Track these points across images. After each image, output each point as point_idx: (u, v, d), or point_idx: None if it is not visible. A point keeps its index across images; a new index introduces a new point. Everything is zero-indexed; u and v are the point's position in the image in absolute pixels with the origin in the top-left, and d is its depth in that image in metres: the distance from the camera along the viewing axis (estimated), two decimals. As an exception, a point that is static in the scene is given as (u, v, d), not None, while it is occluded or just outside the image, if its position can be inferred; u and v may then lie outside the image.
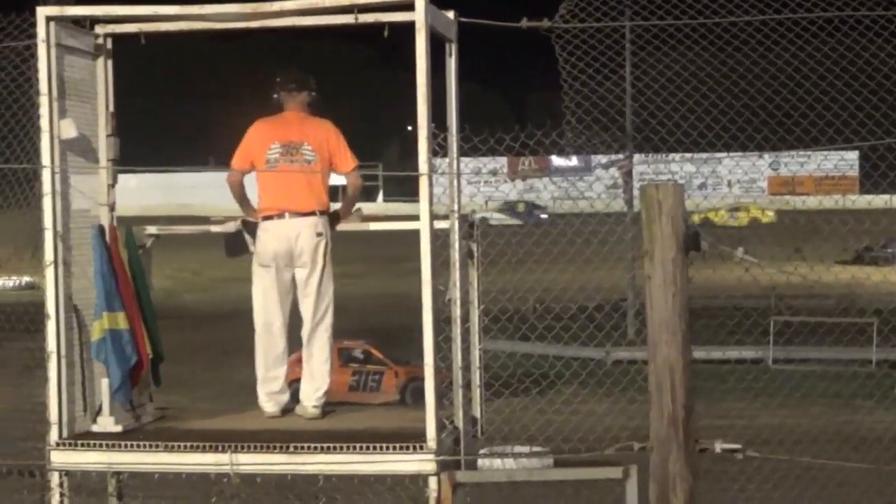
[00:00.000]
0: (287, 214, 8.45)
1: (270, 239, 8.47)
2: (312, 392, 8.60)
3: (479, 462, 7.85)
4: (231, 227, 8.74)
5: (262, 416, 8.60)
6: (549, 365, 16.58)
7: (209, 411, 9.72)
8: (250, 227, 8.62)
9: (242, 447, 7.75)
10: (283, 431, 8.10)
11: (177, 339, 8.88)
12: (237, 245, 8.76)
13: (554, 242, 12.95)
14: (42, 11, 8.00)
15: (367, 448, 7.67)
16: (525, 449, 8.05)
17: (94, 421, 8.23)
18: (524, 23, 8.95)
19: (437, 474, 7.51)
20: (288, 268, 8.52)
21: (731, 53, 12.83)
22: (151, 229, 8.89)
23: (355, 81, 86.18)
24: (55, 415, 7.96)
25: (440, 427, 7.71)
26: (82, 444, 7.99)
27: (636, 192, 16.59)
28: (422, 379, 7.80)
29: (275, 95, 8.78)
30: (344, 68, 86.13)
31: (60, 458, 7.96)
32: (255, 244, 8.59)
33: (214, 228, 8.88)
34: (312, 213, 8.50)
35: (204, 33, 8.71)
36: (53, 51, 8.00)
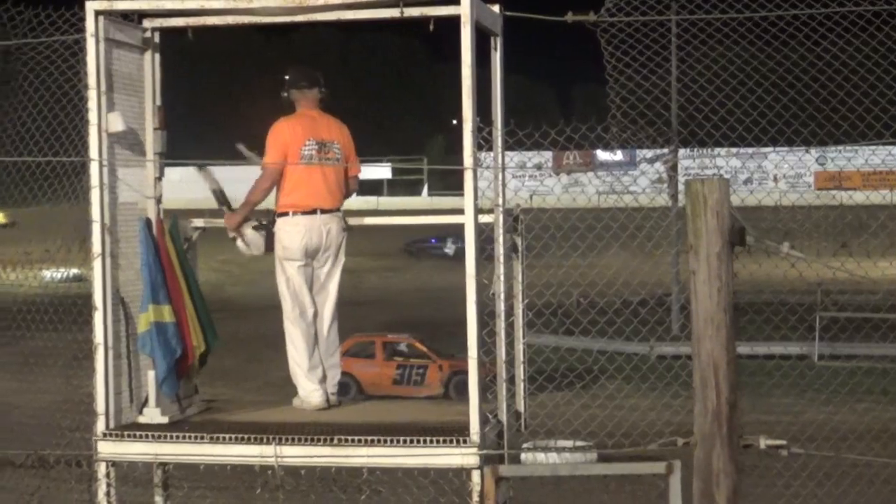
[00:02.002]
0: (319, 210, 8.57)
1: (302, 234, 8.57)
2: (331, 379, 8.81)
3: (523, 456, 7.86)
4: (259, 241, 8.80)
5: (305, 407, 8.66)
6: (592, 360, 16.54)
7: (254, 403, 9.78)
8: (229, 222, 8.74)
9: (287, 439, 7.79)
10: (327, 424, 8.13)
11: (222, 331, 8.91)
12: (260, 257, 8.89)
13: (599, 237, 12.93)
14: (91, 6, 8.06)
15: (411, 441, 7.69)
16: (568, 443, 8.08)
17: (141, 412, 8.30)
18: (570, 16, 8.94)
19: (480, 468, 7.52)
20: (311, 261, 8.67)
21: (777, 47, 12.75)
22: (197, 222, 8.96)
23: (400, 75, 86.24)
24: (102, 406, 8.02)
25: (484, 421, 7.72)
26: (129, 435, 8.06)
27: (681, 187, 16.53)
28: (466, 373, 7.81)
29: (284, 94, 8.85)
30: (389, 62, 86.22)
31: (107, 449, 8.03)
32: (267, 240, 8.69)
33: (244, 251, 8.91)
34: (338, 210, 8.63)
35: (250, 27, 8.76)
36: (102, 45, 8.06)
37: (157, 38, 8.70)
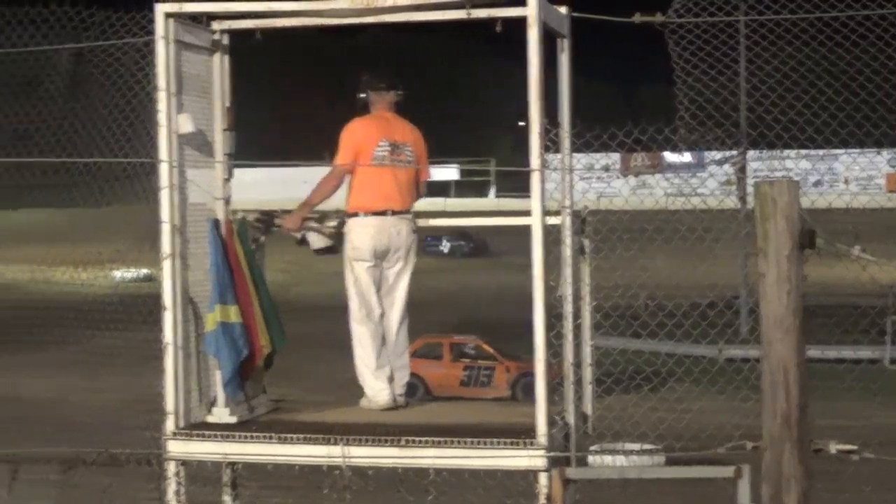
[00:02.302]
0: (390, 212, 8.59)
1: (372, 234, 8.60)
2: (399, 380, 8.82)
3: (590, 459, 7.83)
4: (323, 241, 8.84)
5: (372, 407, 8.69)
6: (660, 362, 16.45)
7: (321, 403, 9.81)
8: (269, 221, 8.76)
9: (354, 440, 7.81)
10: (394, 425, 8.14)
11: (289, 331, 8.96)
12: (330, 252, 8.90)
13: (667, 240, 12.86)
14: (161, 8, 8.13)
15: (478, 443, 7.68)
16: (636, 446, 8.04)
17: (210, 411, 8.35)
18: (637, 17, 8.90)
19: (547, 470, 7.50)
20: (380, 262, 8.69)
21: (848, 48, 12.63)
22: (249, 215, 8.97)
23: (467, 76, 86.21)
24: (172, 405, 8.08)
25: (551, 423, 7.71)
26: (198, 435, 8.11)
27: (750, 189, 16.41)
28: (533, 375, 7.80)
29: (361, 95, 8.86)
30: (456, 63, 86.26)
31: (177, 448, 8.09)
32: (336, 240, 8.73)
33: (314, 242, 8.94)
34: (408, 212, 8.65)
35: (318, 28, 8.79)
36: (171, 47, 8.12)
37: (225, 40, 8.75)
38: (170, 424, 8.08)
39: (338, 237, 8.76)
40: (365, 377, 8.74)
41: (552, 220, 8.01)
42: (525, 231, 7.97)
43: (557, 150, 8.42)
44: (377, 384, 8.68)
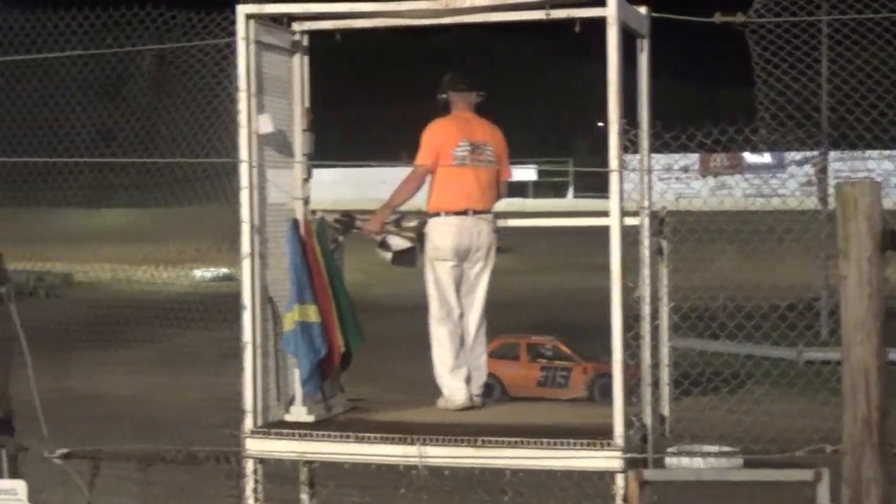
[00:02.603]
0: (470, 211, 8.60)
1: (454, 234, 8.61)
2: (476, 380, 8.82)
3: (667, 461, 7.80)
4: (404, 243, 8.85)
5: (449, 407, 8.70)
6: (739, 364, 16.32)
7: (398, 403, 9.85)
8: (349, 223, 8.79)
9: (431, 440, 7.83)
10: (470, 425, 8.15)
11: (367, 331, 8.99)
12: (408, 258, 8.92)
13: (746, 241, 12.77)
14: (242, 9, 8.20)
15: (555, 443, 7.67)
16: (714, 448, 7.99)
17: (288, 410, 8.41)
18: (717, 17, 8.84)
19: (624, 471, 7.48)
20: (461, 262, 8.69)
21: (932, 48, 12.46)
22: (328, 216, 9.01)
23: (545, 76, 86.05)
24: (250, 404, 8.14)
25: (628, 424, 7.68)
26: (276, 433, 8.17)
27: (831, 190, 16.23)
28: (610, 376, 7.78)
29: (442, 95, 8.88)
30: (534, 63, 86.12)
31: (255, 446, 8.15)
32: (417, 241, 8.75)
33: (394, 244, 8.96)
34: (489, 211, 8.65)
35: (395, 29, 8.82)
36: (252, 48, 8.19)
37: (305, 41, 8.81)
38: (248, 423, 8.14)
39: (418, 239, 8.79)
40: (442, 377, 8.76)
41: (630, 221, 7.98)
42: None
43: (636, 151, 8.39)
44: (454, 384, 8.70)
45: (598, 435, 7.65)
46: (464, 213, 8.64)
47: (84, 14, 13.43)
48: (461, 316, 8.79)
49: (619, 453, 7.55)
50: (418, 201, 8.87)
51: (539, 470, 8.00)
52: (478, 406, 8.80)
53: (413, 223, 8.82)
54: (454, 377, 8.70)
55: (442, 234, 8.65)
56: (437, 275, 8.72)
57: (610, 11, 7.55)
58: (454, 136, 8.69)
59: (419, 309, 9.02)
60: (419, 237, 8.77)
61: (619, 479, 7.49)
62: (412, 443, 7.83)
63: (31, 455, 8.63)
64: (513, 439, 7.75)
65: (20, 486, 8.15)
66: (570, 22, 8.07)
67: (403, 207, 8.89)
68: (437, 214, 8.68)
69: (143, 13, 12.77)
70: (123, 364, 25.48)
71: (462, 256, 8.69)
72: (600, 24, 7.60)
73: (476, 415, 8.63)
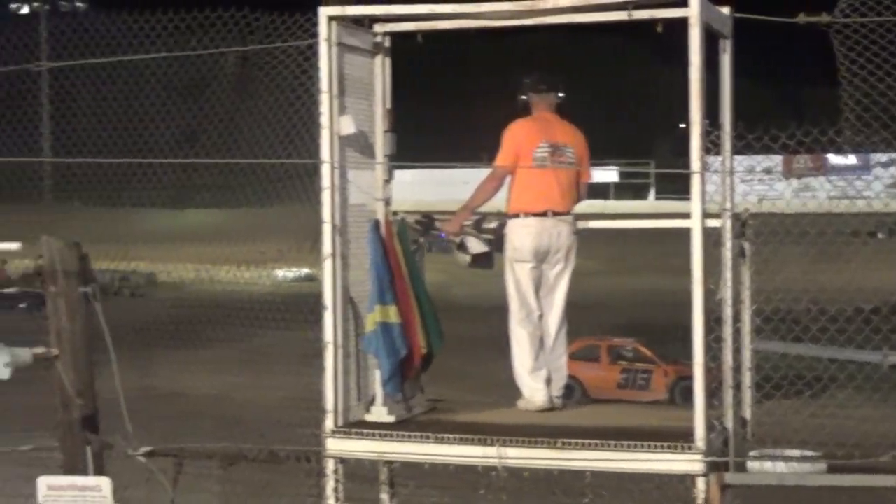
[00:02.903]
0: (550, 213, 8.59)
1: (533, 235, 8.61)
2: (557, 382, 8.79)
3: (749, 464, 7.73)
4: (482, 246, 8.86)
5: (528, 409, 8.69)
6: (822, 368, 16.14)
7: (478, 404, 9.85)
8: (429, 224, 8.80)
9: (510, 441, 7.82)
10: (550, 426, 8.14)
11: (447, 332, 9.01)
12: (486, 261, 8.92)
13: (830, 242, 12.63)
14: (324, 11, 8.24)
15: (635, 446, 7.64)
16: (796, 453, 7.90)
17: (368, 410, 8.44)
18: (801, 18, 8.76)
19: (705, 475, 7.43)
20: (541, 264, 8.67)
21: None
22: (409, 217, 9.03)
23: (627, 77, 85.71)
24: (331, 403, 8.18)
25: (709, 427, 7.63)
26: (356, 433, 8.20)
27: (917, 192, 16.02)
28: (691, 378, 7.73)
29: (523, 96, 8.87)
30: (616, 64, 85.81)
31: (335, 446, 8.19)
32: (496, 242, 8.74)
33: (472, 247, 8.96)
34: (569, 213, 8.63)
35: (477, 30, 8.83)
36: (334, 49, 8.23)
37: (387, 43, 8.84)
38: (329, 422, 8.18)
39: (496, 241, 8.78)
40: (522, 378, 8.76)
41: (712, 223, 7.93)
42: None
43: (718, 153, 8.33)
44: (534, 385, 8.69)
45: (679, 438, 7.60)
46: (543, 214, 8.63)
47: (168, 16, 13.58)
48: (541, 317, 8.78)
49: (700, 457, 7.50)
50: (498, 202, 8.87)
51: (619, 473, 7.97)
52: (558, 407, 8.79)
53: (493, 224, 8.82)
54: (534, 379, 8.69)
55: (521, 236, 8.65)
56: (517, 276, 8.71)
57: (692, 12, 7.51)
58: (535, 138, 8.69)
59: (498, 310, 9.02)
60: (498, 239, 8.77)
61: (700, 483, 7.45)
62: (491, 444, 7.83)
63: (115, 452, 8.73)
64: (593, 441, 7.73)
65: (105, 483, 8.25)
66: (653, 22, 8.04)
67: (483, 208, 8.90)
68: (516, 216, 8.67)
69: (227, 15, 12.88)
70: (206, 363, 25.71)
71: (541, 258, 8.68)
72: (683, 24, 7.56)
73: (556, 416, 8.61)
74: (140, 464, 8.71)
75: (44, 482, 8.30)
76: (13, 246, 9.02)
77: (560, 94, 8.88)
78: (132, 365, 9.58)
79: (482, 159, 8.80)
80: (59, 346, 8.48)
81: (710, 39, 7.89)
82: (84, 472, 8.45)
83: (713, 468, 7.46)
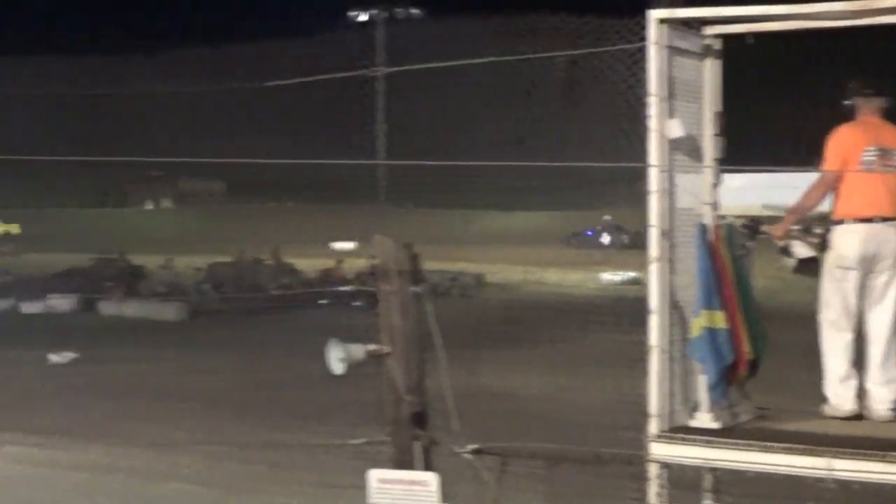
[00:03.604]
0: (877, 218, 8.37)
1: (859, 241, 8.41)
2: (887, 395, 8.55)
3: None
4: (808, 252, 8.68)
5: (834, 415, 8.53)
6: None
7: (806, 413, 9.62)
8: (755, 228, 8.61)
9: (839, 452, 7.62)
10: (881, 439, 7.89)
11: (775, 339, 8.85)
12: (812, 267, 8.73)
13: None
14: (654, 14, 8.22)
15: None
16: None
17: (692, 416, 8.37)
18: None
19: None
20: (866, 271, 8.49)
21: None
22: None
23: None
24: (655, 408, 8.15)
25: None
26: (680, 438, 8.14)
27: None
28: None
29: (847, 101, 8.66)
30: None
31: (659, 451, 8.15)
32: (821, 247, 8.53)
33: (798, 252, 8.79)
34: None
35: (807, 31, 8.63)
36: (664, 52, 8.20)
37: (717, 45, 8.74)
38: (653, 427, 8.15)
39: (822, 246, 8.60)
40: (832, 385, 8.62)
41: None
42: None
43: None
44: (843, 393, 8.53)
45: None
46: (870, 220, 8.40)
47: (498, 20, 13.81)
48: (860, 327, 8.54)
49: None
50: (823, 207, 8.68)
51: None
52: (891, 420, 8.51)
53: (819, 230, 8.65)
54: (844, 388, 8.53)
55: (847, 242, 8.45)
56: (839, 283, 8.51)
57: None
58: (861, 142, 8.47)
59: (829, 318, 8.78)
60: (823, 244, 8.59)
61: None
62: (820, 454, 7.64)
63: (442, 449, 8.94)
64: (928, 456, 7.44)
65: (432, 479, 8.46)
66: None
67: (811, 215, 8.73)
68: (841, 221, 8.48)
69: (557, 19, 13.02)
70: (532, 364, 25.99)
71: (867, 265, 8.45)
72: None
73: (889, 428, 8.34)
74: (466, 461, 8.89)
75: (374, 475, 8.57)
76: (349, 245, 9.36)
77: (887, 98, 8.63)
78: (460, 364, 9.78)
79: (811, 164, 8.61)
80: (391, 344, 8.74)
81: None
82: (412, 467, 8.68)
83: None
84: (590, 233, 58.89)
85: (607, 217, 61.76)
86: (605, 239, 57.22)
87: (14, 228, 77.09)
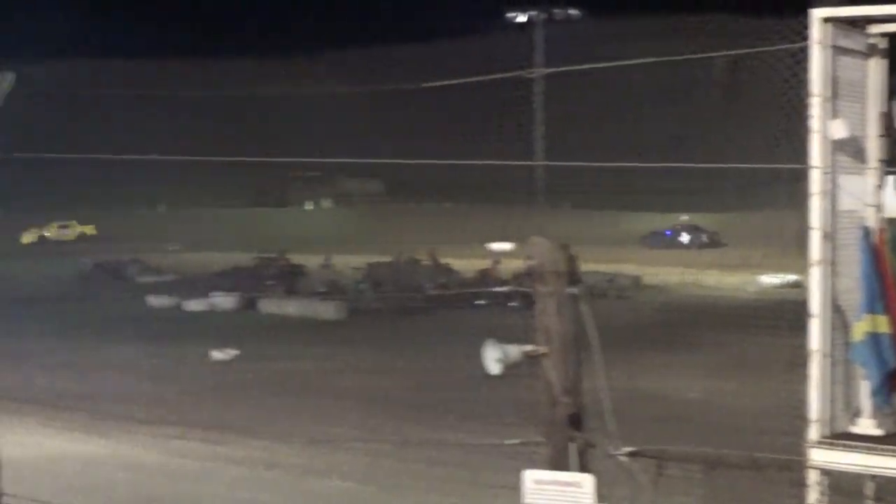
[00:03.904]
0: None
1: None
2: None
3: None
4: None
5: None
6: None
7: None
8: None
9: None
10: None
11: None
12: None
13: None
14: (817, 13, 8.07)
15: None
16: None
17: (854, 422, 8.21)
18: None
19: None
20: None
21: None
22: None
23: None
24: (816, 413, 8.01)
25: None
26: (842, 445, 7.99)
27: None
28: None
29: None
30: None
31: (819, 457, 8.01)
32: None
33: None
34: None
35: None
36: (827, 52, 8.05)
37: (882, 44, 8.55)
38: (813, 432, 8.01)
39: None
40: None
41: None
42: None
43: None
44: None
45: None
46: None
47: (654, 21, 13.72)
48: None
49: None
50: None
51: None
52: None
53: None
54: None
55: None
56: None
57: None
58: None
59: None
60: None
61: None
62: None
63: (597, 451, 8.89)
64: None
65: (588, 481, 8.43)
66: None
67: None
68: None
69: (716, 19, 12.87)
70: (691, 367, 25.76)
71: None
72: None
73: None
74: (621, 463, 8.84)
75: (529, 476, 8.57)
76: (506, 246, 9.39)
77: None
78: (618, 366, 9.73)
79: None
80: (548, 345, 8.73)
81: None
82: (567, 469, 8.66)
83: None
84: (668, 232, 61.11)
85: (685, 217, 62.90)
86: (685, 238, 59.47)
87: (89, 229, 78.98)
